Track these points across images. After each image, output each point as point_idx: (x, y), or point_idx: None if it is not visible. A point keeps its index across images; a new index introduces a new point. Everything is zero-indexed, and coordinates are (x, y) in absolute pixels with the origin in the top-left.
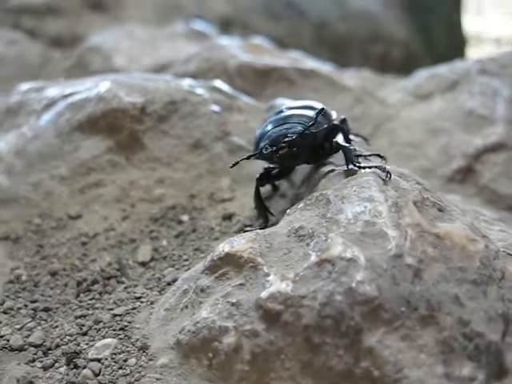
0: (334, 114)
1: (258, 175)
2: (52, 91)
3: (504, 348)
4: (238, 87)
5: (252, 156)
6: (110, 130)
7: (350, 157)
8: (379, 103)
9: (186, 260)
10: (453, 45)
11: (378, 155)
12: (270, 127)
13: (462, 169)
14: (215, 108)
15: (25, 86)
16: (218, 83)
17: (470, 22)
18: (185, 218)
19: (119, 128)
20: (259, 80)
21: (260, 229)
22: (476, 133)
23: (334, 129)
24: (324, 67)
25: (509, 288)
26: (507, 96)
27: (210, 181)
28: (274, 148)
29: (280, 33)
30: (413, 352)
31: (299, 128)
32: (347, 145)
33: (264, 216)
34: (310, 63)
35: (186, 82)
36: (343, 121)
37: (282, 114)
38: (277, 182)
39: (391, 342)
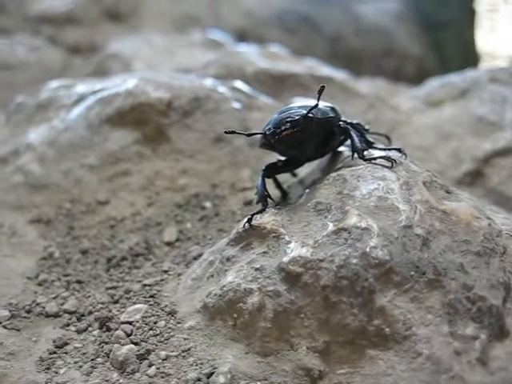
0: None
1: (264, 166)
2: (81, 88)
3: (505, 312)
4: (258, 92)
5: (254, 134)
6: (137, 123)
7: (356, 147)
8: (391, 109)
9: (210, 239)
10: (466, 61)
11: (398, 149)
12: (275, 115)
13: (471, 172)
14: (236, 105)
15: (54, 84)
16: (239, 84)
17: (484, 39)
18: (208, 204)
19: (146, 121)
20: (276, 85)
21: (260, 212)
22: (485, 138)
23: (343, 125)
24: (338, 74)
25: (510, 262)
26: None
27: (232, 172)
28: (278, 130)
29: (294, 46)
30: (421, 312)
31: (303, 112)
32: (355, 132)
33: (264, 201)
34: (325, 70)
35: (209, 81)
36: (357, 124)
37: (288, 106)
38: (295, 171)
39: (401, 302)
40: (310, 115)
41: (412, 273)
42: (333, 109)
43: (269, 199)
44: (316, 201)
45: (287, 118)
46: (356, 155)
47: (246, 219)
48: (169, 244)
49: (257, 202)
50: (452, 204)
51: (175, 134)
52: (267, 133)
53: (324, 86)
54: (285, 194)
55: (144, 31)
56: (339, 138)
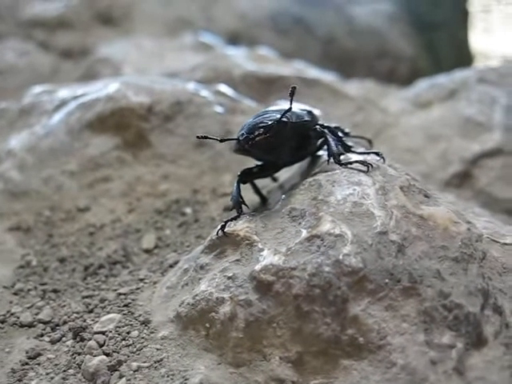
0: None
1: (239, 172)
2: (63, 93)
3: (483, 320)
4: (243, 95)
5: (227, 140)
6: (118, 128)
7: (332, 151)
8: (380, 111)
9: (188, 246)
10: (460, 61)
11: (376, 153)
12: (249, 120)
13: (459, 173)
14: (219, 109)
15: (37, 89)
16: (223, 87)
17: (478, 39)
18: (188, 210)
19: (127, 126)
20: (263, 88)
21: (235, 218)
22: (473, 139)
23: (319, 130)
24: (327, 77)
25: (489, 268)
26: (505, 104)
27: (213, 177)
28: (251, 135)
29: (287, 48)
30: (396, 321)
31: (277, 116)
32: (332, 136)
33: (239, 208)
34: (314, 73)
35: (192, 85)
36: (336, 128)
37: (264, 109)
38: (275, 176)
39: (375, 311)
40: (284, 120)
41: (386, 280)
42: (309, 112)
43: (244, 205)
44: (291, 207)
45: (260, 122)
46: (332, 160)
47: (219, 226)
48: (147, 251)
49: (231, 209)
50: (430, 209)
51: (156, 138)
52: (240, 138)
53: (295, 87)
54: (264, 200)
55: (136, 35)
56: (316, 142)
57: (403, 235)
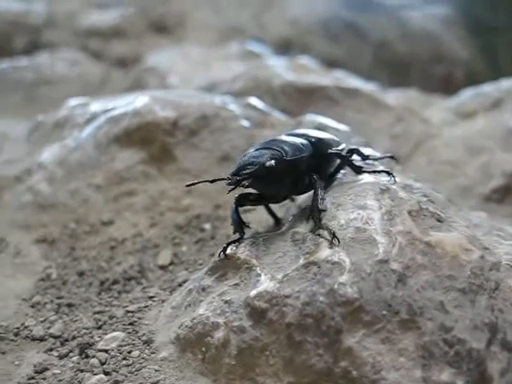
0: (341, 145)
1: (236, 196)
2: (95, 106)
3: (488, 356)
4: (282, 106)
5: (217, 180)
6: (143, 142)
7: (313, 209)
8: (421, 122)
9: (200, 264)
10: None
11: (386, 172)
12: (251, 150)
13: (500, 188)
14: (245, 123)
15: (73, 102)
16: (253, 100)
17: None
18: (207, 226)
19: (152, 141)
20: (302, 99)
21: (237, 241)
22: None
23: (313, 180)
24: (367, 86)
25: (502, 299)
26: None
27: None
28: (237, 177)
29: (339, 54)
30: (392, 355)
31: (264, 158)
32: (319, 188)
33: (240, 230)
34: (354, 82)
35: (220, 99)
36: (352, 151)
37: (273, 138)
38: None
39: (371, 343)
40: (271, 163)
41: (384, 312)
42: (321, 142)
43: (245, 227)
44: (294, 230)
45: (248, 164)
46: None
47: (221, 248)
48: (162, 268)
49: (234, 232)
50: (439, 235)
51: (181, 153)
52: (226, 182)
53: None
54: (277, 220)
55: (189, 43)
56: (331, 168)
57: (406, 264)
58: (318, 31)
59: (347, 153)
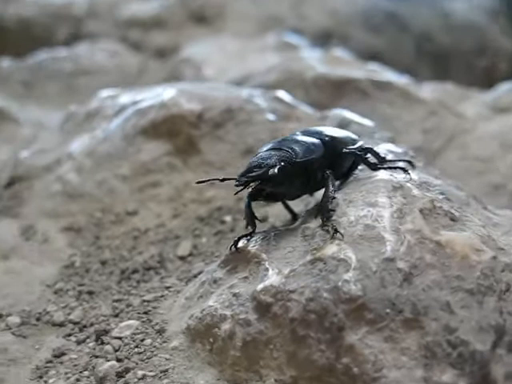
0: (359, 141)
1: (248, 192)
2: (124, 98)
3: (493, 359)
4: (313, 98)
5: (228, 179)
6: (169, 134)
7: (324, 204)
8: (455, 116)
9: (217, 256)
10: None
11: (402, 169)
12: (262, 149)
13: None
14: (270, 116)
15: (104, 94)
16: (280, 93)
17: None
18: (228, 218)
19: (178, 133)
20: (334, 91)
21: (249, 235)
22: None
23: (326, 175)
24: (401, 79)
25: None
26: None
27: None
28: (245, 179)
29: (380, 45)
30: (394, 353)
31: (273, 160)
32: (330, 187)
33: (252, 224)
34: (387, 75)
35: (246, 92)
36: (366, 150)
37: (284, 137)
38: None
39: (373, 341)
40: (274, 171)
41: (387, 310)
42: (334, 140)
43: (257, 221)
44: (305, 226)
45: (256, 166)
46: (320, 217)
47: (232, 242)
48: (181, 258)
49: (246, 226)
50: (450, 234)
51: (206, 145)
52: (234, 183)
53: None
54: (294, 216)
55: (227, 34)
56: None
57: (413, 263)
58: (357, 22)
59: (361, 151)
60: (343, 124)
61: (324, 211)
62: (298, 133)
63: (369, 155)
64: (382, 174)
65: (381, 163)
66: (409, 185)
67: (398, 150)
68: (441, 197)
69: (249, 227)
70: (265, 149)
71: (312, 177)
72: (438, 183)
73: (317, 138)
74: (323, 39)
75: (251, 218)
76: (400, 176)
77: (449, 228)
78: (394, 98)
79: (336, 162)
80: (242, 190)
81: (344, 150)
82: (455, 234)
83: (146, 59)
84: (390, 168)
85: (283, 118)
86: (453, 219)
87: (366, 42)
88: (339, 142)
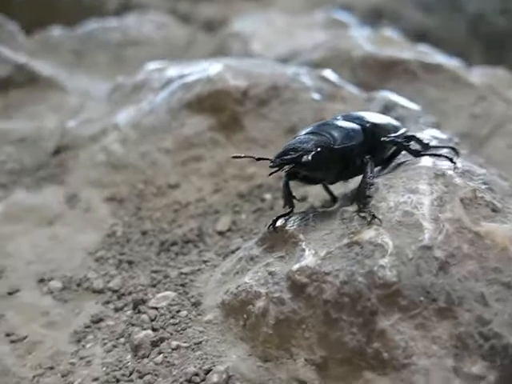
0: (402, 128)
1: (285, 172)
2: (171, 71)
3: None
4: (360, 78)
5: (263, 159)
6: (214, 109)
7: (362, 190)
8: (505, 102)
9: (255, 233)
10: None
11: (447, 157)
12: (302, 132)
13: None
14: (315, 96)
15: (151, 66)
16: (327, 72)
17: None
18: (268, 196)
19: (222, 109)
20: (382, 72)
21: (287, 214)
22: None
23: (365, 160)
24: (450, 62)
25: None
26: None
27: None
28: (279, 162)
29: (432, 25)
30: (425, 341)
31: (310, 145)
32: (369, 177)
33: (290, 204)
34: (437, 57)
35: (292, 69)
36: (410, 138)
37: (324, 122)
38: None
39: (405, 328)
40: (308, 158)
41: (421, 298)
42: (377, 127)
43: (295, 200)
44: (343, 209)
45: (291, 149)
46: (356, 205)
47: (271, 221)
48: (220, 233)
49: (284, 206)
50: (490, 225)
51: (250, 122)
52: (269, 165)
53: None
54: (334, 198)
55: (275, 9)
56: (387, 153)
57: (451, 252)
58: (410, 1)
59: (404, 139)
60: (389, 107)
61: (361, 197)
62: (339, 117)
63: (411, 142)
64: (425, 161)
65: (424, 150)
66: (451, 173)
67: (443, 136)
68: (483, 187)
69: (286, 207)
70: (304, 132)
71: (351, 163)
72: (481, 172)
73: (357, 124)
74: (373, 17)
75: (288, 198)
76: (443, 163)
77: (489, 219)
78: (443, 81)
79: (376, 149)
80: (275, 171)
81: (382, 138)
82: (496, 225)
83: (193, 32)
84: (434, 155)
85: (328, 97)
86: (494, 210)
87: (417, 21)
88: (381, 128)
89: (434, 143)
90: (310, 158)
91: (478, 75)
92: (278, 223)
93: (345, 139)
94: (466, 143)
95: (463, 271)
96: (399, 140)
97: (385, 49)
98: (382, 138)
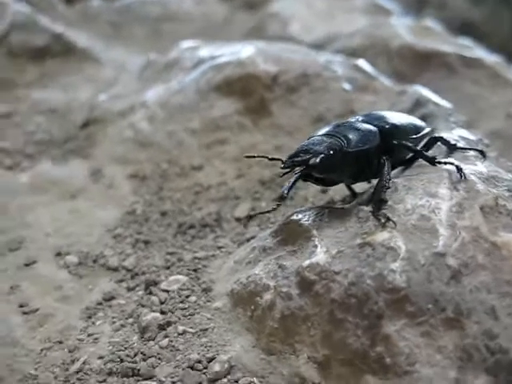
0: (425, 129)
1: (299, 172)
2: (204, 52)
3: None
4: (396, 68)
5: (276, 159)
6: (242, 93)
7: (378, 193)
8: None
9: (272, 223)
10: None
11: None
12: (317, 133)
13: None
14: (346, 86)
15: (185, 45)
16: (361, 62)
17: None
18: None
19: (251, 93)
20: (419, 63)
21: (267, 212)
22: None
23: (382, 161)
24: (491, 58)
25: None
26: None
27: None
28: (291, 163)
29: (478, 17)
30: (430, 350)
31: (322, 147)
32: (386, 179)
33: (280, 199)
34: (478, 52)
35: (324, 57)
36: (436, 139)
37: (341, 122)
38: None
39: (410, 334)
40: (316, 160)
41: (429, 306)
42: (391, 128)
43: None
44: (360, 207)
45: (303, 151)
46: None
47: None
48: (238, 220)
49: (275, 199)
50: (509, 236)
51: (278, 108)
52: (281, 166)
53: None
54: (354, 194)
55: None
56: (403, 158)
57: (465, 261)
58: None
59: (430, 140)
60: (420, 102)
61: (376, 201)
62: (359, 117)
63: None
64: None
65: (451, 151)
66: (474, 178)
67: (472, 137)
68: (507, 194)
69: (275, 202)
70: (320, 133)
71: (367, 164)
72: (508, 178)
73: (376, 126)
74: (418, 5)
75: (282, 195)
76: (467, 167)
77: (509, 229)
78: (481, 77)
79: (395, 151)
80: (287, 173)
81: (395, 141)
82: None
83: (233, 9)
84: (446, 163)
85: (360, 88)
86: None
87: (463, 12)
88: (401, 130)
89: (461, 144)
90: (318, 160)
91: None
92: (294, 217)
93: (359, 142)
94: (499, 143)
95: (475, 282)
96: (410, 145)
97: (424, 40)
98: (395, 141)
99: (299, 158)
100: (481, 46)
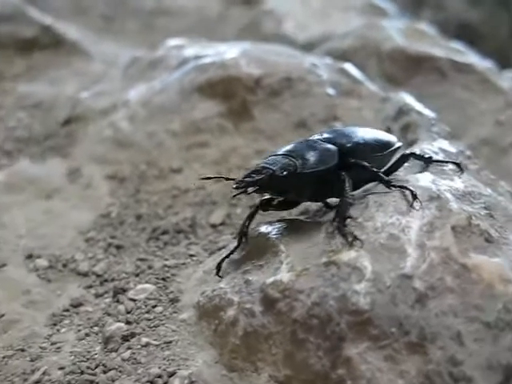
0: (395, 144)
1: (259, 200)
2: (189, 51)
3: None
4: (386, 71)
5: (230, 179)
6: (224, 95)
7: (341, 210)
8: None
9: None
10: None
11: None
12: (277, 151)
13: None
14: (330, 91)
15: (172, 42)
16: (347, 66)
17: None
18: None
19: (233, 95)
20: (409, 67)
21: (230, 254)
22: None
23: (342, 177)
24: (482, 63)
25: None
26: None
27: None
28: (242, 184)
29: (475, 18)
30: (392, 374)
31: (275, 168)
32: (348, 196)
33: (240, 238)
34: (470, 57)
35: (310, 60)
36: (407, 157)
37: (302, 140)
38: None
39: (372, 358)
40: (277, 174)
41: (393, 330)
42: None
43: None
44: (330, 222)
45: (255, 171)
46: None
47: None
48: (213, 226)
49: (234, 237)
50: (479, 258)
51: (259, 112)
52: (235, 184)
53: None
54: (327, 205)
55: None
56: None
57: (432, 283)
58: None
59: (401, 157)
60: (403, 111)
61: (341, 219)
62: (323, 133)
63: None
64: (424, 180)
65: (427, 165)
66: (448, 195)
67: (453, 149)
68: (482, 212)
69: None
70: (278, 152)
71: (326, 184)
72: (486, 193)
73: (338, 144)
74: (415, 5)
75: (241, 232)
76: (442, 183)
77: (480, 250)
78: (472, 82)
79: (354, 170)
80: (239, 193)
81: (351, 160)
82: (485, 258)
83: (228, 4)
84: (401, 187)
85: (344, 93)
86: (488, 240)
87: (460, 13)
88: (365, 148)
89: (439, 157)
90: (266, 178)
91: (509, 79)
92: (262, 229)
93: (315, 163)
94: (486, 151)
95: (442, 305)
96: (366, 164)
97: (416, 43)
98: (353, 160)
99: (250, 179)
100: (474, 50)
